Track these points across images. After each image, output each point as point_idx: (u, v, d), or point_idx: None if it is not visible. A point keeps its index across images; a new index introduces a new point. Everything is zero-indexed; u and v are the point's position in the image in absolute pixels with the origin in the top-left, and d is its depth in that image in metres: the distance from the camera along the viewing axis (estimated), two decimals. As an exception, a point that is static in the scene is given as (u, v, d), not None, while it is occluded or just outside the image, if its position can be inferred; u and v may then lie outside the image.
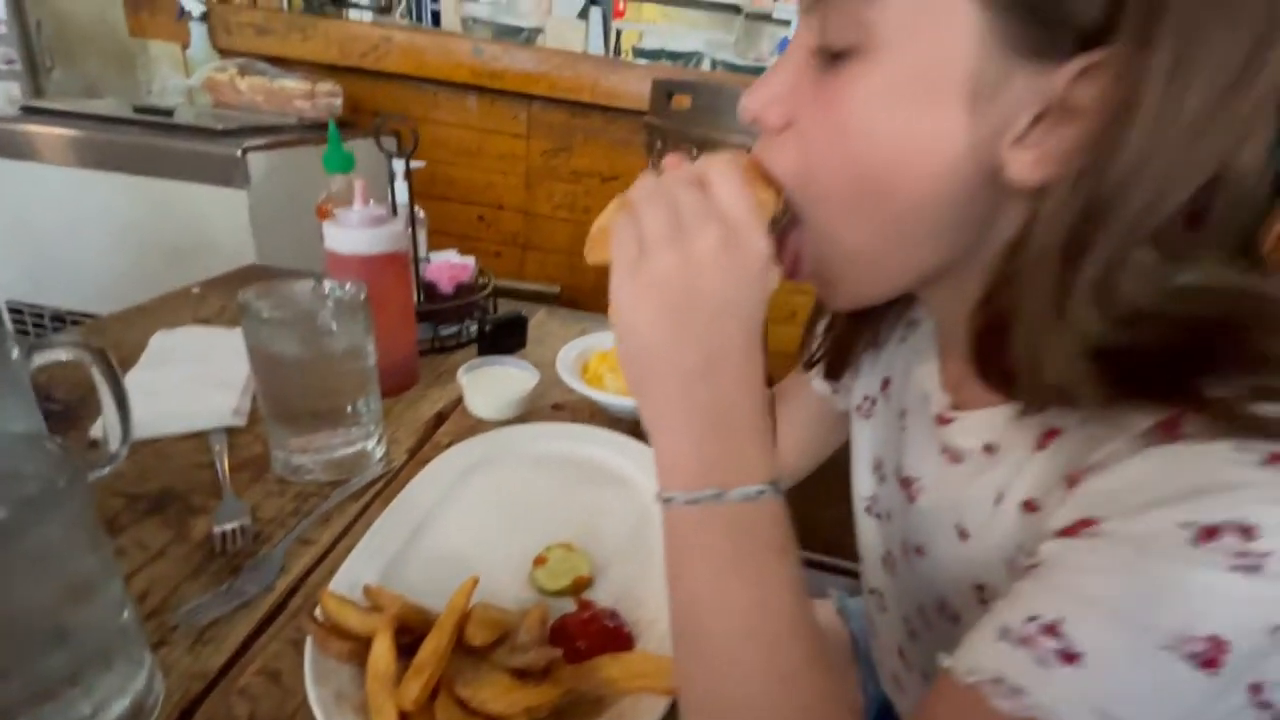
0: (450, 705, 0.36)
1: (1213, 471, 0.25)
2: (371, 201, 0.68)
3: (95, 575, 0.32)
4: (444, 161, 2.32)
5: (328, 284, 0.57)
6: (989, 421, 0.38)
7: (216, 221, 1.61)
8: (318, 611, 0.41)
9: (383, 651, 0.37)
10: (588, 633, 0.43)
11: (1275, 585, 0.23)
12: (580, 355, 0.78)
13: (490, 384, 0.73)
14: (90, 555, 0.32)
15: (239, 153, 1.56)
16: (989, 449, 0.38)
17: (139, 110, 1.71)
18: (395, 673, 0.36)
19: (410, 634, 0.40)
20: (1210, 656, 0.24)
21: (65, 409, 0.63)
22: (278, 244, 1.60)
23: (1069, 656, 0.26)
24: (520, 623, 0.42)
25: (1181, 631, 0.24)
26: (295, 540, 0.50)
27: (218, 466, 0.57)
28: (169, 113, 1.72)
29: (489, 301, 0.92)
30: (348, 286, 0.57)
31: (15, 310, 1.63)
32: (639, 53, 2.48)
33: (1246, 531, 0.23)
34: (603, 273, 0.37)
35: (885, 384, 0.51)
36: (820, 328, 0.55)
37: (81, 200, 1.62)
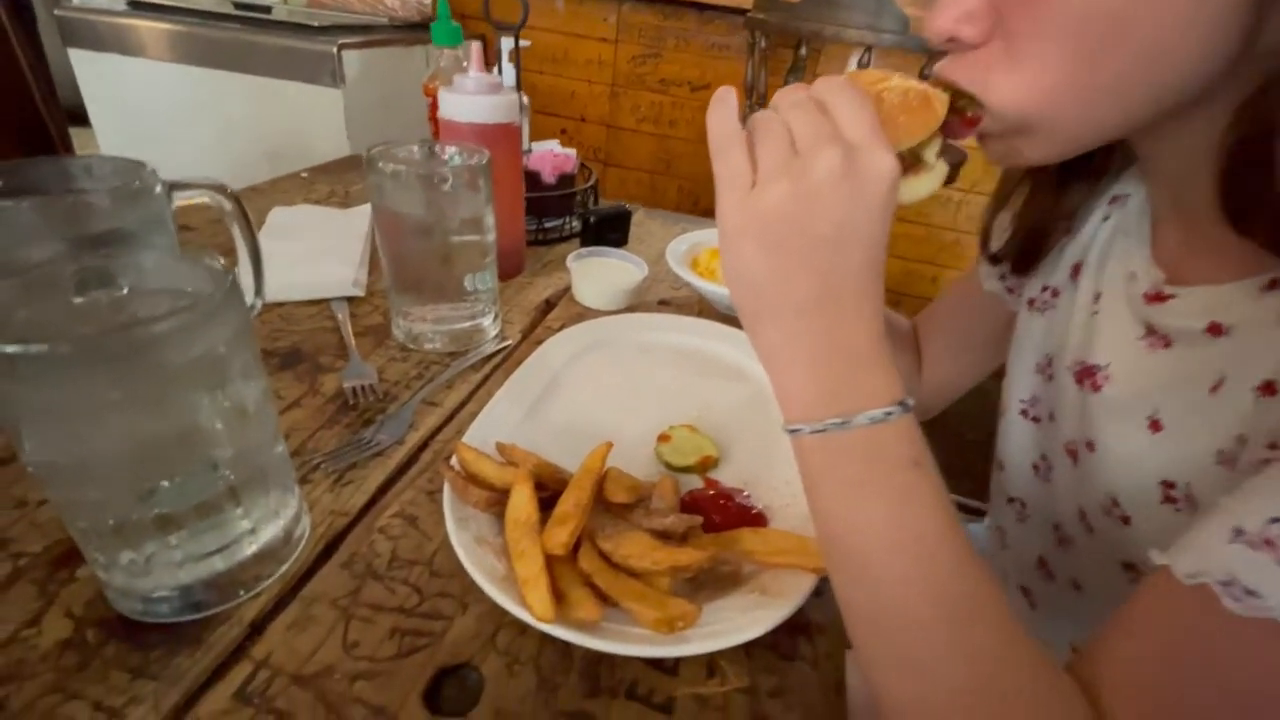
0: (593, 556, 0.35)
1: None
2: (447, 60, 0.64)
3: (254, 395, 0.32)
4: (530, 69, 2.25)
5: (449, 148, 0.55)
6: (1218, 298, 0.32)
7: (313, 120, 1.63)
8: (453, 461, 0.41)
9: (523, 500, 0.36)
10: (721, 508, 0.41)
11: None
12: (690, 249, 0.74)
13: (598, 274, 0.70)
14: (250, 378, 0.32)
15: (334, 49, 1.55)
16: (1215, 329, 0.32)
17: (239, 6, 1.72)
18: (537, 521, 0.35)
19: (543, 490, 0.39)
20: None
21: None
22: (372, 144, 1.61)
23: None
24: (653, 490, 0.41)
25: None
26: (421, 401, 0.51)
27: (342, 331, 0.58)
28: (267, 9, 1.72)
29: (592, 194, 0.89)
30: (469, 151, 0.54)
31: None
32: (741, -54, 2.27)
33: None
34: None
35: (1076, 270, 0.45)
36: (997, 221, 0.49)
37: (185, 96, 1.67)
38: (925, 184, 0.37)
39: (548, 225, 0.84)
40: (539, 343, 0.58)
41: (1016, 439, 0.49)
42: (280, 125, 1.69)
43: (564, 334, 0.59)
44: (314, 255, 0.68)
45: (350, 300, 0.64)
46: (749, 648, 0.34)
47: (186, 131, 1.73)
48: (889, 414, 0.29)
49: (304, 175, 0.98)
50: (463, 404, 0.52)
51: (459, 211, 0.53)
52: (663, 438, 0.48)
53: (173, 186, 0.45)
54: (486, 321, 0.60)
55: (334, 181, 0.96)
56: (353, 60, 1.61)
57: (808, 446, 0.31)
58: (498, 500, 0.38)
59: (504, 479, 0.39)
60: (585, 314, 0.68)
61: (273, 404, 0.35)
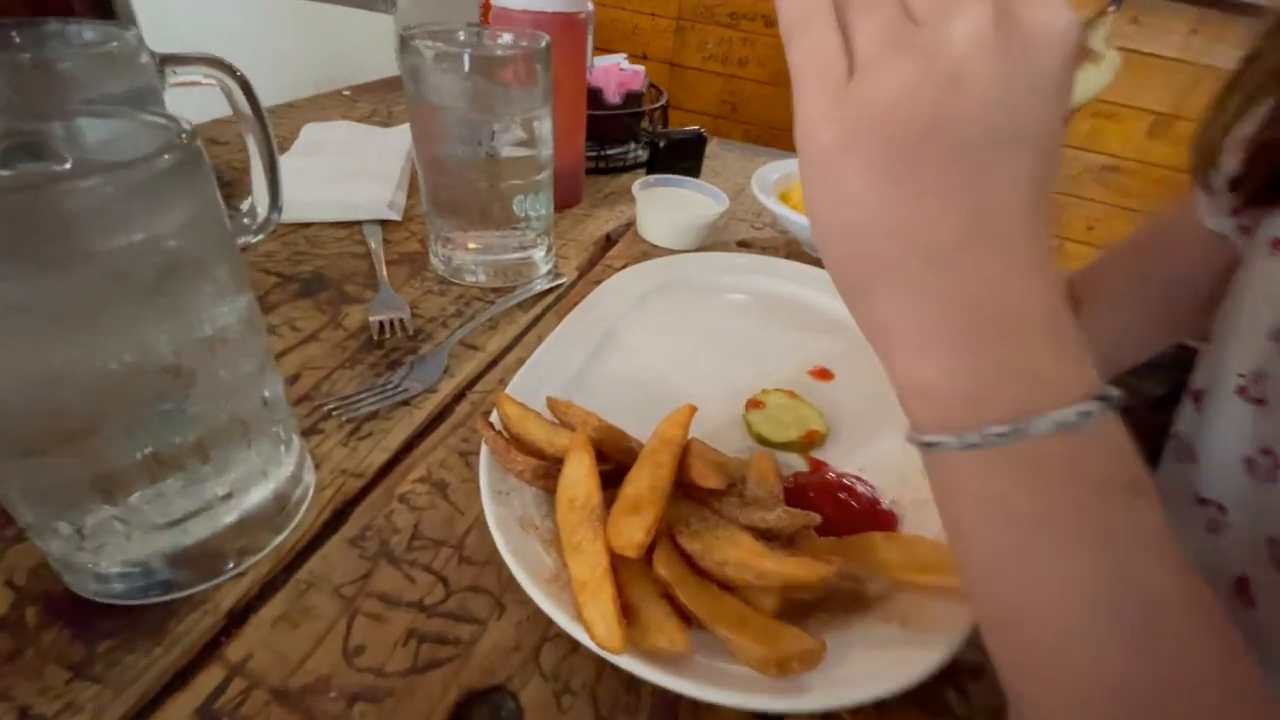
0: (674, 559, 0.26)
1: None
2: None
3: (229, 317, 0.24)
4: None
5: (502, 33, 0.45)
6: None
7: (364, 46, 1.54)
8: (493, 417, 0.32)
9: (581, 476, 0.27)
10: (838, 502, 0.31)
11: None
12: (782, 179, 0.62)
13: (667, 206, 0.60)
14: (223, 293, 0.24)
15: (386, -32, 1.46)
16: None
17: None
18: (599, 504, 0.26)
19: (604, 461, 0.30)
20: None
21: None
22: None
23: None
24: (746, 471, 0.31)
25: None
26: (459, 343, 0.42)
27: (374, 257, 0.50)
28: (319, -75, 1.62)
29: (662, 116, 0.78)
30: (526, 35, 0.44)
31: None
32: None
33: None
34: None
35: None
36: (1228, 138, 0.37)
37: (237, 22, 1.61)
38: (1095, 79, 0.26)
39: (610, 152, 0.74)
40: (597, 283, 0.49)
41: (1225, 424, 0.37)
42: (331, 52, 1.62)
43: (629, 271, 0.50)
44: (347, 174, 0.60)
45: (385, 225, 0.55)
46: (882, 697, 0.25)
47: (239, 60, 1.68)
48: (1086, 415, 0.18)
49: (346, 93, 0.89)
50: (507, 349, 0.43)
51: (511, 110, 0.43)
52: (753, 404, 0.38)
53: (165, 60, 0.37)
54: (538, 254, 0.51)
55: (377, 100, 0.87)
56: (405, -19, 1.51)
57: (953, 467, 0.20)
58: (547, 471, 0.29)
59: (556, 444, 0.30)
60: (651, 252, 0.58)
61: (262, 333, 0.27)
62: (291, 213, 0.54)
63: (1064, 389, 0.19)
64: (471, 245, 0.48)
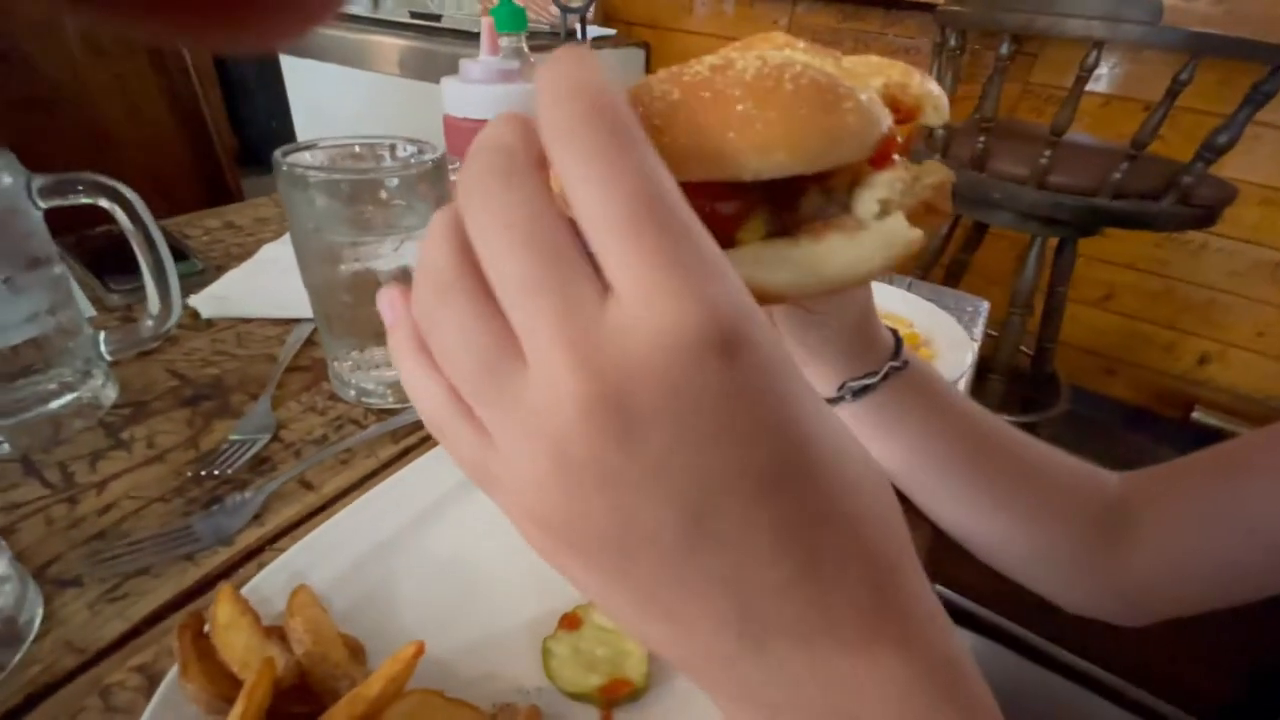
0: None
1: None
2: (505, 53, 0.51)
3: None
4: (688, 77, 2.13)
5: (404, 145, 0.42)
6: None
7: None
8: (208, 626, 0.27)
9: (213, 742, 0.21)
10: (584, 816, 0.22)
11: None
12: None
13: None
14: None
15: (483, 54, 1.57)
16: None
17: (414, 15, 1.81)
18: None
19: (306, 703, 0.24)
20: None
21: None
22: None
23: None
24: (477, 746, 0.23)
25: None
26: (295, 480, 0.38)
27: (278, 363, 0.48)
28: (437, 17, 1.78)
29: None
30: (423, 148, 0.41)
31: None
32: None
33: None
34: None
35: None
36: None
37: (361, 98, 1.80)
38: (850, 254, 0.17)
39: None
40: (504, 410, 0.43)
41: None
42: (434, 128, 1.75)
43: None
44: (311, 265, 0.60)
45: (322, 323, 0.54)
46: None
47: (357, 132, 1.87)
48: None
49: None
50: (347, 490, 0.38)
51: (395, 228, 0.39)
52: (569, 621, 0.29)
53: (46, 187, 0.37)
54: (446, 372, 0.46)
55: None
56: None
57: None
58: (225, 705, 0.24)
59: (251, 667, 0.24)
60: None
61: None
62: (238, 307, 0.54)
63: None
64: (364, 365, 0.44)
